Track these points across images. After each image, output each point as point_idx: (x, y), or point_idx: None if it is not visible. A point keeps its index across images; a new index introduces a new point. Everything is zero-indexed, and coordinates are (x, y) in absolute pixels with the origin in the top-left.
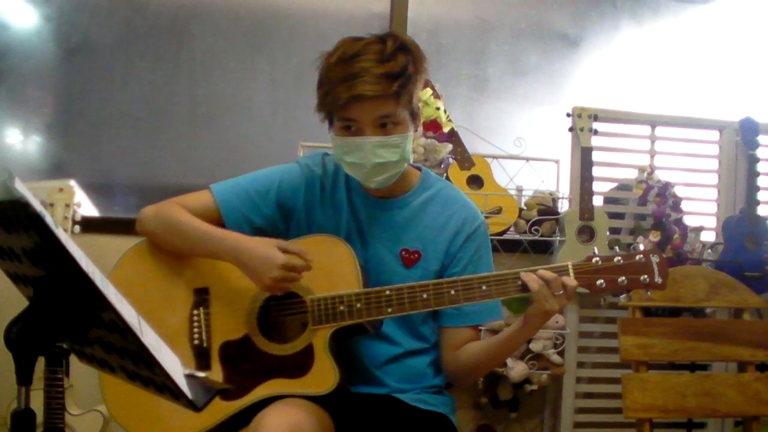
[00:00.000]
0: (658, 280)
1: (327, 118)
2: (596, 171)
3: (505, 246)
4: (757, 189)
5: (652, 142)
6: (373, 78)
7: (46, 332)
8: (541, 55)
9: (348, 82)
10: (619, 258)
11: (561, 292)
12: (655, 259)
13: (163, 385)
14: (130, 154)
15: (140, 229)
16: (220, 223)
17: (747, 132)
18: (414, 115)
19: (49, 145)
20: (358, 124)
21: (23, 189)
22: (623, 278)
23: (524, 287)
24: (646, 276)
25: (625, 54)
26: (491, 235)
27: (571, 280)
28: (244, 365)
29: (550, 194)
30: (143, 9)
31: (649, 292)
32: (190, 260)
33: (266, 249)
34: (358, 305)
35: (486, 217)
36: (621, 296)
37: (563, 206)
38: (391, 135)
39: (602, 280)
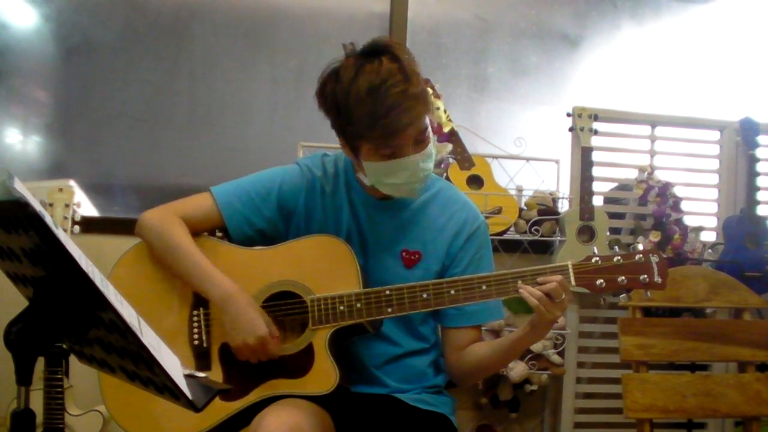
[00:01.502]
0: (657, 279)
1: (353, 147)
2: (596, 171)
3: (505, 246)
4: (757, 189)
5: (652, 142)
6: (413, 101)
7: (46, 332)
8: (541, 55)
9: (393, 112)
10: (619, 258)
11: (563, 297)
12: (654, 258)
13: (163, 386)
14: (130, 154)
15: (138, 234)
16: (222, 225)
17: (747, 132)
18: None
19: (48, 145)
20: (401, 148)
21: (23, 189)
22: (623, 278)
23: None
24: (645, 276)
25: (625, 54)
26: (491, 235)
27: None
28: (244, 366)
29: (551, 194)
30: (143, 9)
31: (649, 292)
32: None
33: (256, 314)
34: (358, 305)
35: (486, 217)
36: (621, 296)
37: (563, 206)
38: (428, 145)
39: (602, 280)
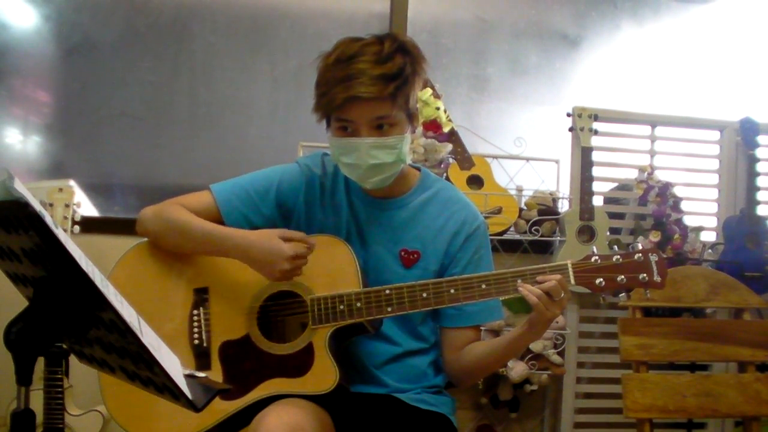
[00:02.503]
0: (657, 279)
1: (324, 119)
2: (596, 171)
3: (505, 246)
4: (757, 189)
5: (652, 142)
6: (368, 79)
7: (46, 332)
8: (541, 55)
9: (344, 83)
10: (618, 257)
11: (562, 295)
12: (653, 258)
13: (163, 386)
14: (130, 154)
15: (141, 230)
16: (220, 223)
17: (747, 132)
18: (411, 117)
19: (48, 145)
20: (354, 125)
21: (23, 189)
22: (622, 277)
23: None
24: (645, 275)
25: (625, 54)
26: (491, 235)
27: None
28: (245, 365)
29: (551, 194)
30: (143, 8)
31: (648, 292)
32: (189, 260)
33: (272, 242)
34: (358, 305)
35: (486, 217)
36: (620, 295)
37: (563, 206)
38: (387, 136)
39: (601, 279)
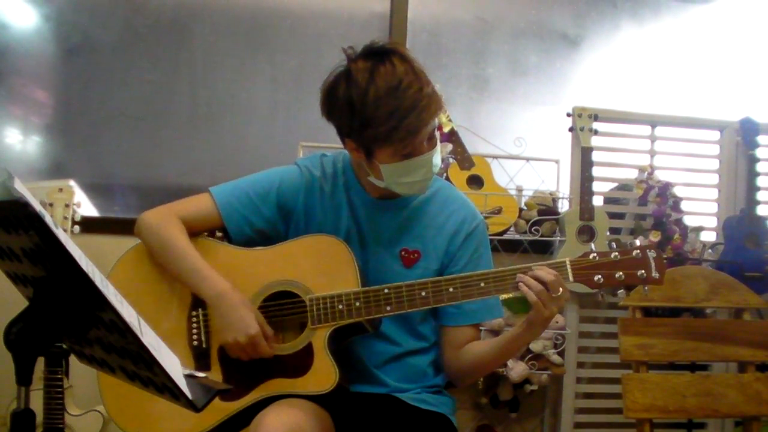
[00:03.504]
0: (655, 275)
1: (367, 150)
2: (596, 171)
3: (505, 246)
4: (758, 189)
5: (652, 142)
6: (428, 100)
7: (46, 332)
8: (541, 55)
9: (413, 111)
10: (616, 254)
11: (560, 292)
12: (651, 254)
13: (163, 386)
14: (130, 154)
15: (137, 235)
16: (221, 225)
17: (747, 132)
18: None
19: (48, 145)
20: (417, 146)
21: (23, 189)
22: (620, 273)
23: None
24: (643, 271)
25: (625, 54)
26: (491, 235)
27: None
28: (244, 365)
29: (551, 194)
30: (143, 9)
31: (647, 288)
32: None
33: (247, 312)
34: (357, 304)
35: (486, 217)
36: (619, 292)
37: (563, 206)
38: (437, 141)
39: (599, 276)
